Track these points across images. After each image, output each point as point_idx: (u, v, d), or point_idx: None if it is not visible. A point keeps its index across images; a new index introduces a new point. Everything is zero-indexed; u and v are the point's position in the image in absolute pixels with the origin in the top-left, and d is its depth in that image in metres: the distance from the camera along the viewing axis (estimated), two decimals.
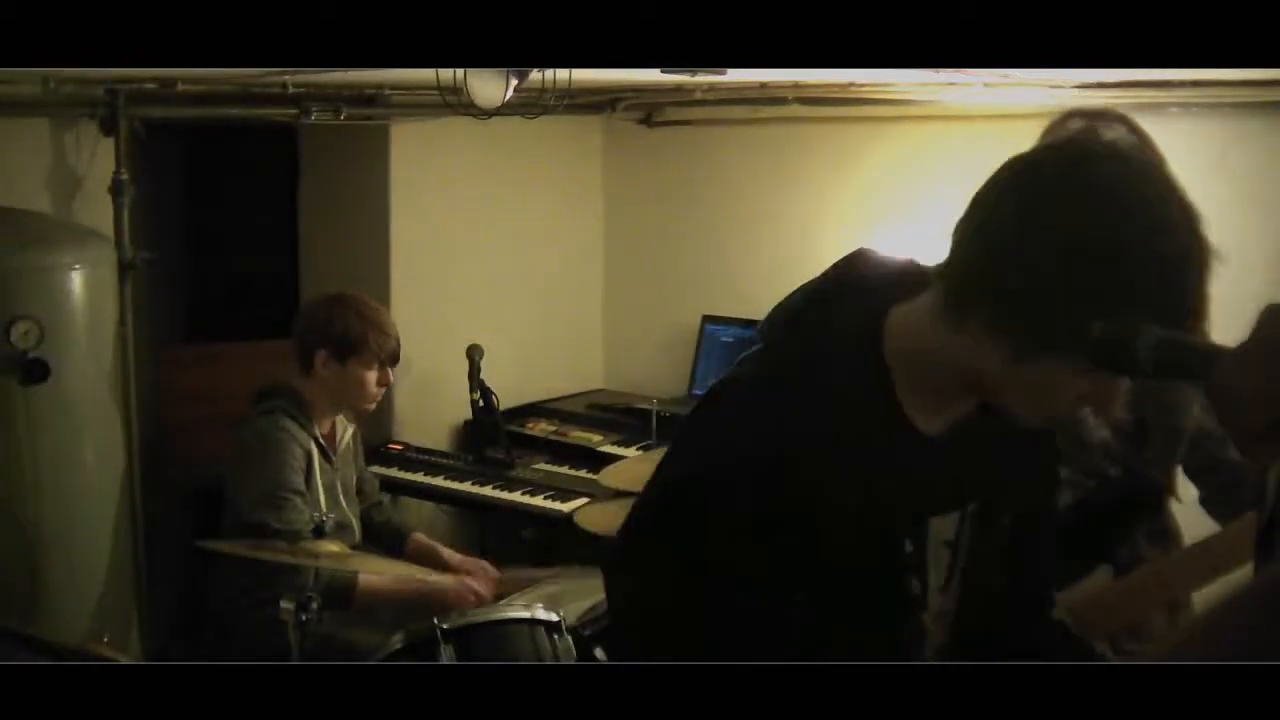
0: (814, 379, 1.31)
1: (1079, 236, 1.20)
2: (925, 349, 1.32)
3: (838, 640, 1.31)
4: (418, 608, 3.00)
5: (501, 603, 2.94)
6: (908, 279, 1.38)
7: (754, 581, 1.28)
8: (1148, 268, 1.20)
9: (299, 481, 3.00)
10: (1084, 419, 2.13)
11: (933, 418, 1.36)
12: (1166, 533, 2.23)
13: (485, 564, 3.33)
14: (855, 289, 1.39)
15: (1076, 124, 2.09)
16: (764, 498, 1.26)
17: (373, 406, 3.26)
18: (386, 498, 3.56)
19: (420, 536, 3.48)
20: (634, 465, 3.63)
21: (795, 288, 1.43)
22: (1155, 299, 1.20)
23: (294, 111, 3.85)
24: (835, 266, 1.43)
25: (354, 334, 3.12)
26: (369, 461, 3.84)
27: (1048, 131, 2.10)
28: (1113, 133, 1.28)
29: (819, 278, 1.43)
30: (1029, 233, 1.22)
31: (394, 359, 3.21)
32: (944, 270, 1.31)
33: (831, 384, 1.31)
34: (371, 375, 3.16)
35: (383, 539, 3.36)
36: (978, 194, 1.29)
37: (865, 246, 1.46)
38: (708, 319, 4.64)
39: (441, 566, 3.28)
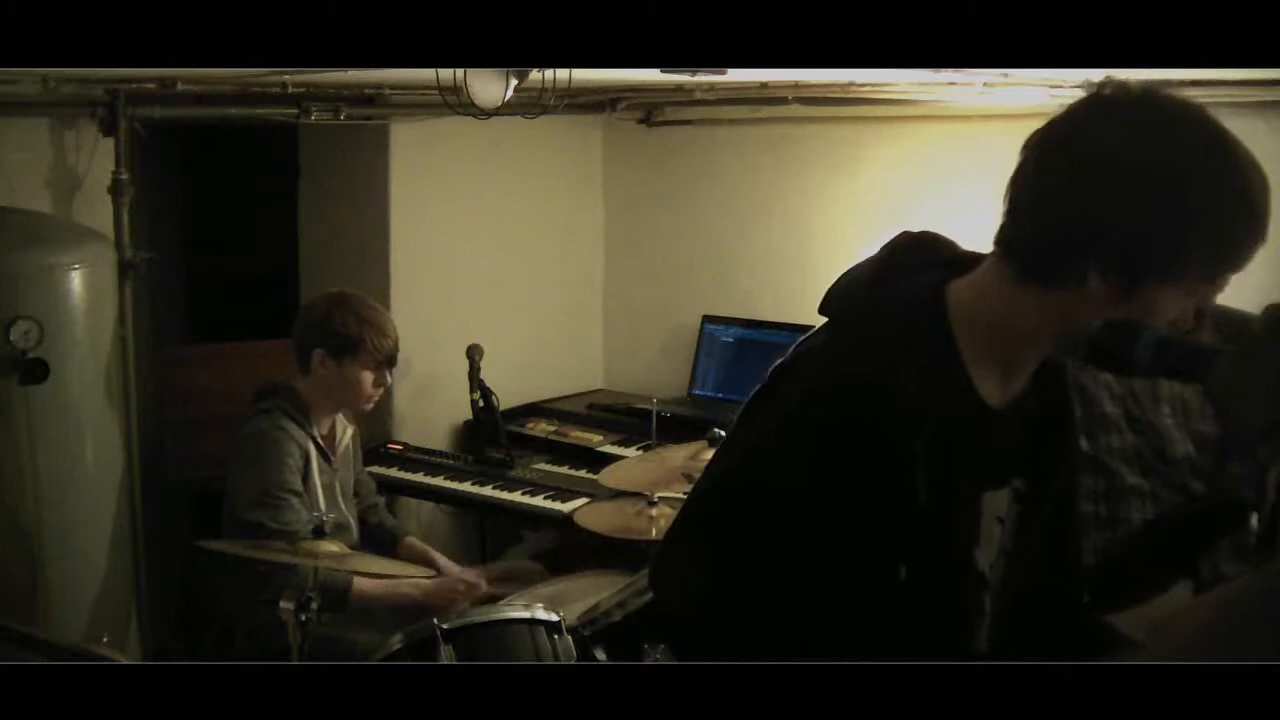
0: (882, 346, 1.34)
1: (1167, 164, 1.26)
2: (1000, 317, 1.36)
3: (908, 612, 1.34)
4: (416, 609, 3.00)
5: (501, 603, 2.94)
6: (956, 257, 1.43)
7: (831, 549, 1.31)
8: (1228, 171, 1.27)
9: (295, 481, 3.00)
10: (1167, 431, 2.11)
11: (996, 389, 1.39)
12: (1249, 549, 2.18)
13: (477, 572, 3.32)
14: (910, 267, 1.42)
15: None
16: (841, 463, 1.30)
17: (369, 407, 3.26)
18: (381, 500, 3.56)
19: (413, 540, 3.47)
20: (634, 465, 3.62)
21: (846, 269, 1.47)
22: (1233, 201, 1.27)
23: (294, 111, 3.84)
24: (887, 247, 1.47)
25: (352, 334, 3.12)
26: (368, 462, 3.84)
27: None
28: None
29: (873, 258, 1.46)
30: (1120, 174, 1.27)
31: (391, 361, 3.21)
32: (1028, 240, 1.33)
33: (899, 350, 1.34)
34: (368, 376, 3.15)
35: (375, 542, 3.36)
36: (1035, 163, 1.33)
37: (909, 229, 1.49)
38: (708, 319, 4.64)
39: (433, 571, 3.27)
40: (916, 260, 1.43)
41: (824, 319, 1.45)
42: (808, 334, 1.45)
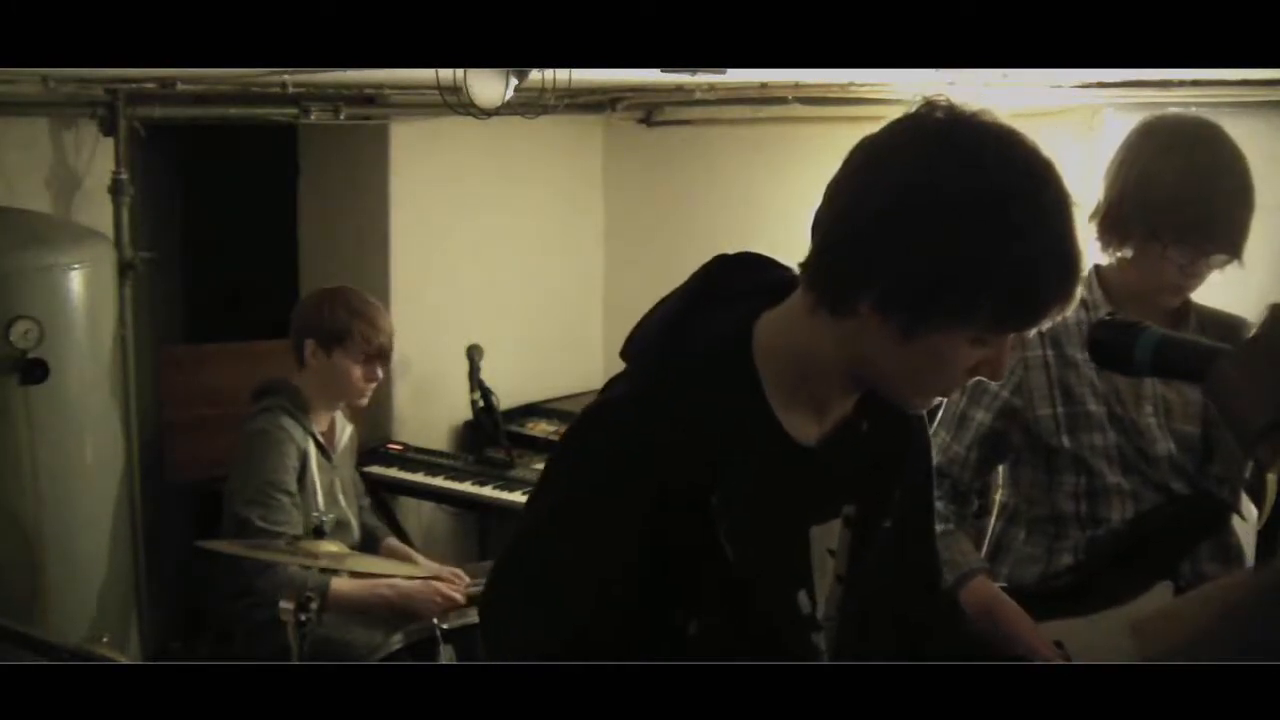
0: (685, 396, 1.26)
1: (956, 203, 1.18)
2: (801, 350, 1.29)
3: (725, 660, 1.25)
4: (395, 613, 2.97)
5: None
6: (771, 284, 1.35)
7: (647, 606, 1.25)
8: (1029, 217, 1.18)
9: (290, 482, 2.99)
10: (1149, 431, 2.09)
11: (807, 424, 1.32)
12: (1230, 550, 2.16)
13: (457, 570, 3.31)
14: (718, 299, 1.35)
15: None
16: (648, 520, 1.23)
17: (363, 401, 3.25)
18: (367, 502, 3.55)
19: (393, 541, 3.45)
20: None
21: (651, 307, 1.39)
22: (1034, 251, 1.18)
23: (293, 111, 3.85)
24: (695, 277, 1.39)
25: (340, 325, 3.11)
26: (369, 462, 3.84)
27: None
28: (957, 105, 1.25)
29: (680, 290, 1.38)
30: (905, 207, 1.19)
31: (382, 355, 3.19)
32: (815, 264, 1.27)
33: (703, 399, 1.26)
34: (356, 368, 3.14)
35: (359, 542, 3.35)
36: (836, 182, 1.27)
37: (725, 253, 1.41)
38: None
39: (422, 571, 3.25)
40: (731, 288, 1.35)
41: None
42: (615, 376, 1.35)
